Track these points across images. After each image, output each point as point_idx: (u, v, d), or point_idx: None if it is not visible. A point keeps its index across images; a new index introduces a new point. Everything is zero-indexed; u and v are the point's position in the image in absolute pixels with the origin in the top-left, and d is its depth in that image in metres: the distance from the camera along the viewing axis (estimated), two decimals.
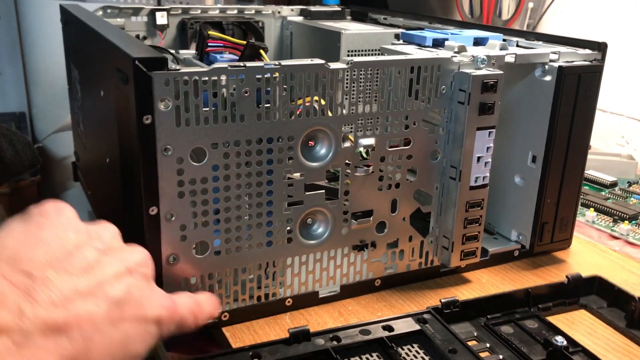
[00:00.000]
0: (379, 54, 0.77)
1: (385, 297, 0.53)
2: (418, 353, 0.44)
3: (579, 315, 0.52)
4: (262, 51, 0.54)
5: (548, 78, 0.55)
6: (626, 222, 0.69)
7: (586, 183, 0.81)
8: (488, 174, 0.52)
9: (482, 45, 0.60)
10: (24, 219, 0.33)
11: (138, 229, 0.43)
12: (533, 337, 0.47)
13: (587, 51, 0.56)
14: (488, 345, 0.46)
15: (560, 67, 0.54)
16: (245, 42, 0.55)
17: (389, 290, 0.54)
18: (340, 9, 0.91)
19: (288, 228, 0.48)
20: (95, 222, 0.35)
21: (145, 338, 0.32)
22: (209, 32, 0.62)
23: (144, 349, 0.32)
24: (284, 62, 0.43)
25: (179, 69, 0.40)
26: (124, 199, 0.49)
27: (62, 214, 0.34)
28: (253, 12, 0.86)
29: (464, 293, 0.54)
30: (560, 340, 0.45)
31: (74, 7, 0.72)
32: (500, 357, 0.45)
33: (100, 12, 0.77)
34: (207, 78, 0.41)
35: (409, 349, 0.45)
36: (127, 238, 0.37)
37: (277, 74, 0.43)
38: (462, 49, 0.54)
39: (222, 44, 0.61)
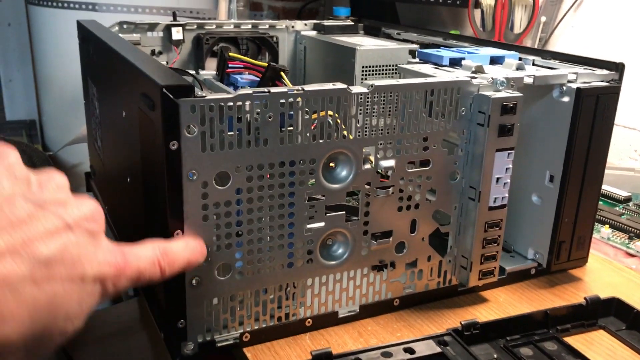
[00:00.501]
0: (393, 69, 0.78)
1: (404, 317, 0.53)
2: None
3: (598, 336, 0.52)
4: (282, 73, 0.54)
5: (566, 99, 0.55)
6: None
7: (600, 198, 0.80)
8: (507, 195, 0.53)
9: (498, 64, 0.60)
10: None
11: None
12: (552, 359, 0.47)
13: (605, 71, 0.57)
14: None
15: (578, 88, 0.54)
16: (265, 64, 0.55)
17: (408, 309, 0.54)
18: (353, 23, 0.92)
19: (309, 249, 0.48)
20: (44, 170, 0.33)
21: (82, 298, 0.30)
22: (230, 54, 0.62)
23: (83, 310, 0.30)
24: (307, 88, 0.44)
25: (204, 96, 0.40)
26: (146, 219, 0.49)
27: (3, 158, 0.31)
28: (267, 26, 0.87)
29: (482, 313, 0.54)
30: None
31: (92, 23, 0.73)
32: None
33: (117, 28, 0.77)
34: (232, 104, 0.41)
35: None
36: None
37: (300, 99, 0.44)
38: (479, 69, 0.54)
39: (242, 65, 0.61)
